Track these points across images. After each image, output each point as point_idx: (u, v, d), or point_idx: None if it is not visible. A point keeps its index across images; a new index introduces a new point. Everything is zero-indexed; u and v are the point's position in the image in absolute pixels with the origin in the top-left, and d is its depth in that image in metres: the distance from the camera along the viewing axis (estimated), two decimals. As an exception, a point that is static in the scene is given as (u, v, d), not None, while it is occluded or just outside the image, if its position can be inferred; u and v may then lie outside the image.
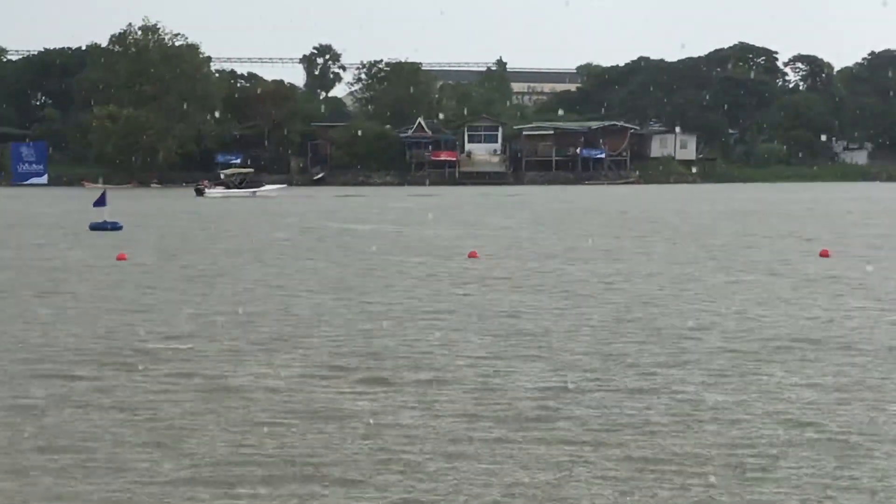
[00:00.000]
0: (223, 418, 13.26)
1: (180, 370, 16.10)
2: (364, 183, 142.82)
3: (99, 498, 10.42)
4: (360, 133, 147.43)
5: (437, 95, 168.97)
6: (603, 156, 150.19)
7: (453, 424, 12.91)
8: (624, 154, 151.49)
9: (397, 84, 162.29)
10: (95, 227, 49.86)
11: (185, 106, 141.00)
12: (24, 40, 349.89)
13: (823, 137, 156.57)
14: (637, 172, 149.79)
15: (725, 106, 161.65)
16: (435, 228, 51.48)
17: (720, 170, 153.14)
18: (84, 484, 10.81)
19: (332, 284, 27.45)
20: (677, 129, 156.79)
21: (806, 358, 16.91)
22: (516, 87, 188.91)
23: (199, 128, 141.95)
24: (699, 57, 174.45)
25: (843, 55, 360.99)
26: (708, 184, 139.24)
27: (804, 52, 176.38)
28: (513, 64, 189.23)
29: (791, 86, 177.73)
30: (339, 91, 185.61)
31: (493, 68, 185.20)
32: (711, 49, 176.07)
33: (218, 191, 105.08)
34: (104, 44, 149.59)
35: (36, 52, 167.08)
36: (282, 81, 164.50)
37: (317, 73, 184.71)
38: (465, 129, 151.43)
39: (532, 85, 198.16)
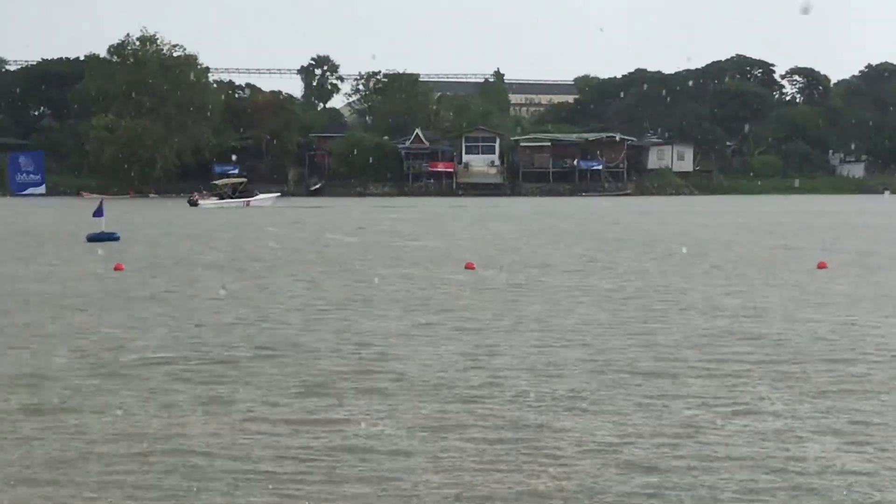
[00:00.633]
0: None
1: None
2: (361, 194, 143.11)
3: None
4: (357, 144, 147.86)
5: (434, 107, 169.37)
6: (600, 167, 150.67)
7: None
8: (621, 166, 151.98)
9: (395, 95, 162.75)
10: (93, 238, 49.93)
11: (183, 116, 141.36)
12: (23, 50, 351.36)
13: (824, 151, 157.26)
14: (634, 184, 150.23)
15: (722, 118, 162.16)
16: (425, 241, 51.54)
17: (717, 182, 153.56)
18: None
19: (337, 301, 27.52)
20: (674, 141, 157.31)
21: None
22: (514, 98, 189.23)
23: (196, 138, 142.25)
24: (696, 69, 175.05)
25: (839, 68, 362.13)
26: (705, 196, 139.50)
27: (801, 65, 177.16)
28: (510, 75, 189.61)
29: (788, 98, 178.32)
30: (336, 102, 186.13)
31: (491, 80, 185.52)
32: (709, 61, 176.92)
33: (211, 201, 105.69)
34: (102, 54, 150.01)
35: (34, 62, 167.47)
36: (280, 92, 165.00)
37: (315, 84, 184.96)
38: (463, 141, 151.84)
39: (529, 96, 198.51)
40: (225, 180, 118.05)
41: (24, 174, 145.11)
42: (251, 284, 30.64)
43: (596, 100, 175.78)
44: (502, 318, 22.92)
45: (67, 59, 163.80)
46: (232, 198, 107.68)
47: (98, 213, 50.04)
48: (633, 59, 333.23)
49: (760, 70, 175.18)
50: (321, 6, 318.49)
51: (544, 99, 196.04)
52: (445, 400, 14.90)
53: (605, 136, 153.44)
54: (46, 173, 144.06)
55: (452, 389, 15.58)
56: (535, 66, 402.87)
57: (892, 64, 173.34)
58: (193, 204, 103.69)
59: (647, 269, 35.69)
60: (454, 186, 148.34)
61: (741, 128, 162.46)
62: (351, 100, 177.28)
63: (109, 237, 49.69)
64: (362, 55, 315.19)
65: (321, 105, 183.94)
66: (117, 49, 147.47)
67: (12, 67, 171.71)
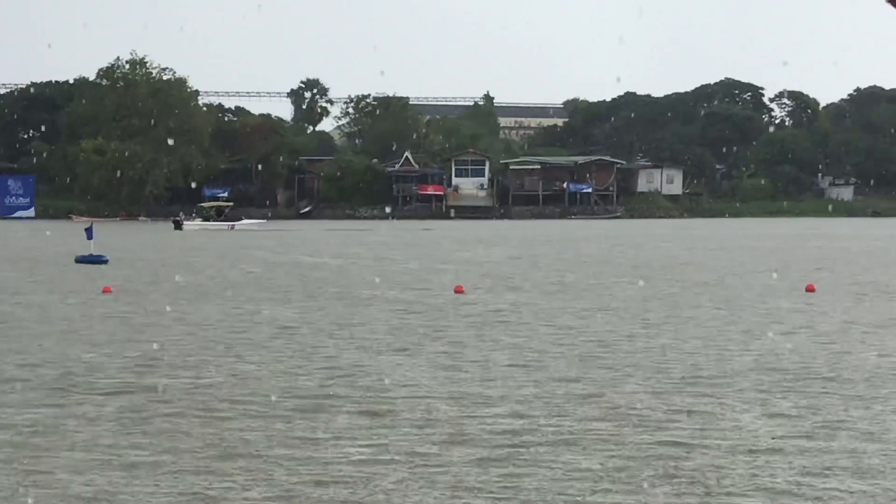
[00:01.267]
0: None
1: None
2: (351, 217, 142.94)
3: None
4: (347, 167, 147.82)
5: (424, 130, 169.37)
6: (590, 190, 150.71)
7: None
8: (611, 189, 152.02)
9: (385, 118, 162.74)
10: (81, 260, 49.84)
11: (172, 139, 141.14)
12: (12, 74, 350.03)
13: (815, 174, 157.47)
14: (623, 207, 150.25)
15: (712, 141, 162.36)
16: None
17: (706, 205, 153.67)
18: None
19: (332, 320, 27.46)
20: (663, 165, 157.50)
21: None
22: (503, 121, 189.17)
23: (186, 161, 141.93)
24: (685, 92, 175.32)
25: (828, 91, 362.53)
26: (695, 219, 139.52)
27: (790, 89, 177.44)
28: (500, 99, 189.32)
29: (777, 121, 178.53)
30: (326, 125, 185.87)
31: (481, 103, 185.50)
32: (698, 84, 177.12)
33: (195, 224, 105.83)
34: (92, 77, 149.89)
35: (24, 86, 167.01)
36: (269, 115, 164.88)
37: (304, 107, 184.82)
38: (453, 164, 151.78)
39: (519, 120, 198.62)
40: (210, 203, 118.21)
41: (14, 197, 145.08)
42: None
43: (585, 123, 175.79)
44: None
45: (57, 82, 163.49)
46: (217, 220, 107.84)
47: (89, 235, 49.99)
48: (623, 83, 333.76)
49: (749, 93, 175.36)
50: (311, 30, 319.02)
51: (534, 122, 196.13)
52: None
53: (595, 159, 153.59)
54: (36, 196, 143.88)
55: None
56: (524, 90, 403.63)
57: (880, 87, 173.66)
58: (178, 226, 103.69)
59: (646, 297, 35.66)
60: (444, 209, 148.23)
61: (730, 151, 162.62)
62: (341, 123, 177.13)
63: (98, 259, 49.59)
64: (352, 78, 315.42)
65: (311, 128, 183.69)
66: (107, 72, 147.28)
67: (1, 91, 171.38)
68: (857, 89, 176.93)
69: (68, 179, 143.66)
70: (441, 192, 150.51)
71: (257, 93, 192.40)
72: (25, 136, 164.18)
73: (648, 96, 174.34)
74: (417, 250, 63.96)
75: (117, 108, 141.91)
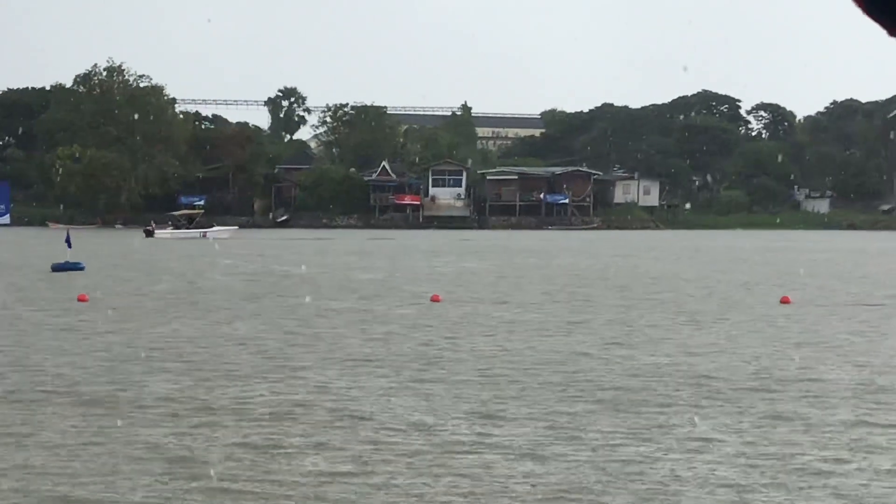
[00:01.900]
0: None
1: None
2: (327, 226, 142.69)
3: None
4: (324, 176, 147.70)
5: (401, 139, 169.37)
6: (566, 201, 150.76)
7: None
8: (587, 200, 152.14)
9: (362, 127, 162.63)
10: (58, 267, 49.67)
11: (149, 147, 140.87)
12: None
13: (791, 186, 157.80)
14: (600, 218, 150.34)
15: (689, 153, 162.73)
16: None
17: (682, 216, 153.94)
18: None
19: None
20: (640, 176, 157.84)
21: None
22: (481, 131, 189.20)
23: (163, 169, 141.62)
24: (662, 104, 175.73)
25: (805, 104, 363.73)
26: (671, 230, 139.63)
27: (767, 101, 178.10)
28: (477, 109, 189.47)
29: (754, 134, 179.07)
30: (304, 134, 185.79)
31: (458, 113, 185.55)
32: (675, 96, 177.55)
33: (166, 232, 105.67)
34: (69, 84, 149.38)
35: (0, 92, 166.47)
36: (246, 124, 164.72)
37: (282, 115, 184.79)
38: (430, 173, 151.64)
39: (497, 130, 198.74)
40: (182, 211, 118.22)
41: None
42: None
43: (563, 134, 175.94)
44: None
45: (33, 88, 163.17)
46: (188, 228, 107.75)
47: (69, 243, 49.74)
48: (600, 94, 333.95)
49: (726, 105, 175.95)
50: (289, 39, 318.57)
51: (511, 132, 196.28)
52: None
53: (572, 170, 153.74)
54: (11, 204, 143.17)
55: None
56: (502, 100, 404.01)
57: (856, 101, 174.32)
58: (149, 234, 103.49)
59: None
60: (420, 219, 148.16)
61: (707, 163, 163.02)
62: (318, 132, 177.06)
63: (74, 267, 49.44)
64: (330, 87, 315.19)
65: (288, 137, 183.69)
66: (83, 79, 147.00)
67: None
68: (834, 102, 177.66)
69: (45, 187, 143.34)
70: (418, 202, 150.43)
71: (234, 101, 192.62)
72: (1, 143, 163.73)
73: (626, 108, 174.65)
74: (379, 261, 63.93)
75: (94, 115, 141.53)
